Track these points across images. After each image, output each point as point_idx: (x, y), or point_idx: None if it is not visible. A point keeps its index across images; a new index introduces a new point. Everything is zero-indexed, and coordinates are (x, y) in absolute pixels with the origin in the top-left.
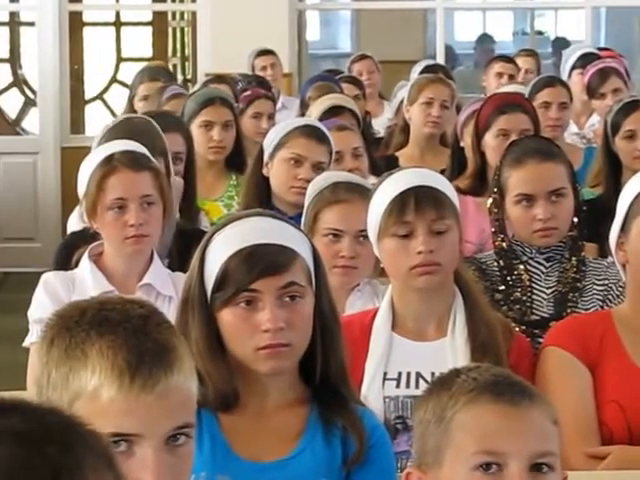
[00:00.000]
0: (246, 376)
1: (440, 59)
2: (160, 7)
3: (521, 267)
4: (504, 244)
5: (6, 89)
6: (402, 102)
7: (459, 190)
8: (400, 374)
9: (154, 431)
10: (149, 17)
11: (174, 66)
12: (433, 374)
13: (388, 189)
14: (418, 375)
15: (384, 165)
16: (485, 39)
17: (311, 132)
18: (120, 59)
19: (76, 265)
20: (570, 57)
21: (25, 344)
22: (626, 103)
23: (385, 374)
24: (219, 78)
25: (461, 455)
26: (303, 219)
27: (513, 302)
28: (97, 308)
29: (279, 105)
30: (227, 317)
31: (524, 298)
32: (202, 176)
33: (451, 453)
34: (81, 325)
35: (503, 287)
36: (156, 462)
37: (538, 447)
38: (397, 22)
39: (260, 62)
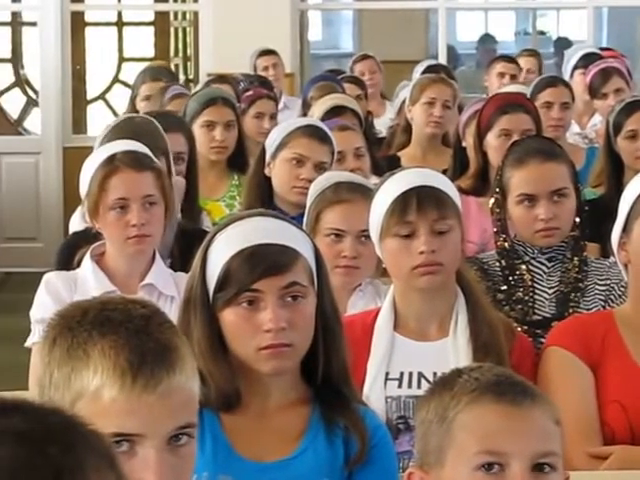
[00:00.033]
0: (248, 376)
1: (442, 59)
2: (162, 7)
3: (523, 267)
4: (506, 244)
5: (8, 89)
6: (404, 102)
7: (461, 190)
8: (402, 374)
9: (156, 431)
10: (151, 17)
11: (176, 66)
12: (435, 374)
13: (390, 189)
14: (420, 375)
15: (386, 165)
16: (487, 39)
17: (313, 132)
18: (122, 59)
19: (78, 265)
20: (572, 57)
21: (27, 344)
22: (628, 103)
23: (387, 374)
24: (221, 78)
25: (463, 455)
26: (305, 219)
27: (515, 302)
28: (99, 308)
29: (281, 105)
30: (229, 317)
31: (526, 298)
32: (204, 176)
33: (453, 453)
34: (83, 325)
35: (505, 287)
36: (158, 462)
37: (540, 447)
38: (399, 22)
39: (262, 62)
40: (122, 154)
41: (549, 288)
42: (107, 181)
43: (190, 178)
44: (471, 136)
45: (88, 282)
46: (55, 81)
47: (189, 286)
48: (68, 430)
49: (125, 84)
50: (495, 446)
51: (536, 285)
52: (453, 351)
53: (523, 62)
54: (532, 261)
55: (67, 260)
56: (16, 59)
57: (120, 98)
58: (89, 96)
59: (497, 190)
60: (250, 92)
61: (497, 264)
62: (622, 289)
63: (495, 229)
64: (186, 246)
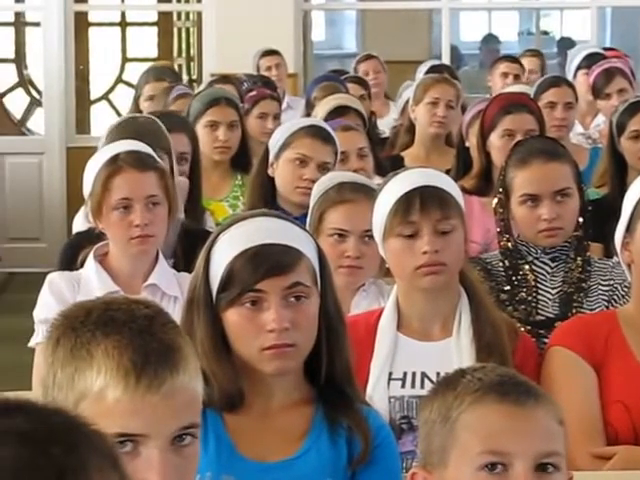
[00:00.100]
0: (251, 376)
1: (445, 59)
2: (165, 7)
3: (526, 267)
4: (509, 244)
5: (12, 89)
6: (407, 102)
7: (464, 190)
8: (405, 374)
9: (160, 431)
10: (154, 17)
11: (179, 66)
12: (438, 374)
13: (393, 189)
14: (423, 375)
15: (389, 165)
16: (490, 39)
17: (316, 132)
18: (125, 59)
19: (81, 265)
20: (575, 57)
21: (30, 344)
22: (631, 103)
23: (390, 374)
24: (224, 78)
25: (466, 455)
26: (308, 219)
27: (518, 302)
28: (102, 308)
29: (284, 105)
30: (232, 317)
31: (529, 298)
32: (207, 176)
33: (456, 453)
34: (87, 325)
35: (508, 287)
36: (162, 462)
37: (543, 447)
38: (402, 22)
39: (265, 62)
40: (125, 154)
41: (552, 288)
42: (110, 181)
43: (193, 178)
44: (474, 136)
45: (91, 282)
46: (58, 81)
47: (192, 286)
48: (71, 430)
49: (128, 84)
50: (498, 446)
51: (539, 285)
52: (456, 351)
53: (526, 62)
54: (535, 261)
55: (70, 260)
56: (19, 59)
57: (123, 98)
58: (92, 96)
59: (500, 190)
60: (253, 92)
61: (500, 264)
62: (625, 289)
63: (498, 229)
64: (189, 246)
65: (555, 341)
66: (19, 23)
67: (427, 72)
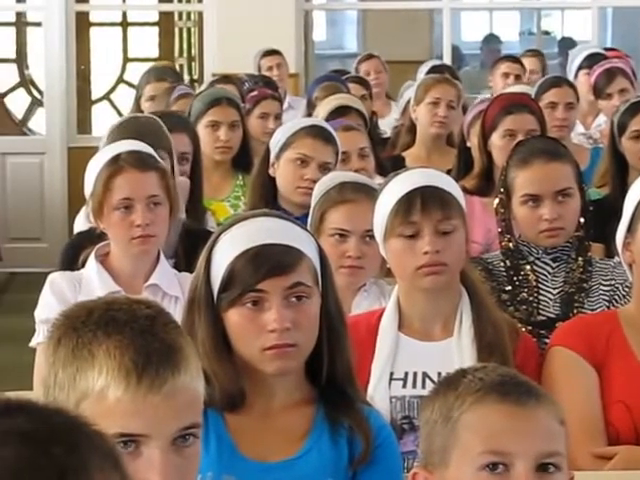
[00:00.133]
0: (252, 376)
1: (447, 59)
2: (166, 7)
3: (527, 267)
4: (510, 244)
5: (13, 89)
6: (409, 102)
7: (465, 190)
8: (406, 374)
9: (161, 432)
10: (156, 17)
11: (180, 66)
12: (439, 374)
13: (394, 189)
14: (424, 375)
15: (390, 165)
16: (491, 39)
17: (317, 132)
18: (127, 59)
19: (82, 265)
20: (576, 57)
21: (32, 344)
22: (632, 103)
23: (391, 374)
24: (226, 78)
25: (467, 455)
26: (309, 219)
27: (519, 302)
28: (104, 308)
29: (286, 105)
30: (233, 317)
31: (530, 298)
32: (208, 176)
33: (457, 453)
34: (88, 325)
35: (509, 287)
36: (163, 463)
37: (544, 447)
38: (403, 22)
39: (266, 62)
40: (126, 154)
41: (553, 288)
42: (111, 181)
43: (194, 178)
44: (475, 136)
45: (92, 282)
46: (60, 81)
47: (193, 286)
48: (72, 430)
49: (130, 84)
50: (500, 446)
51: (540, 285)
52: (457, 351)
53: (526, 62)
54: (536, 261)
55: (71, 260)
56: (21, 59)
57: (125, 98)
58: (94, 96)
59: (501, 190)
60: (255, 92)
61: (501, 264)
62: (626, 289)
63: (499, 229)
64: (190, 246)
65: (556, 341)
66: (20, 23)
67: (428, 72)
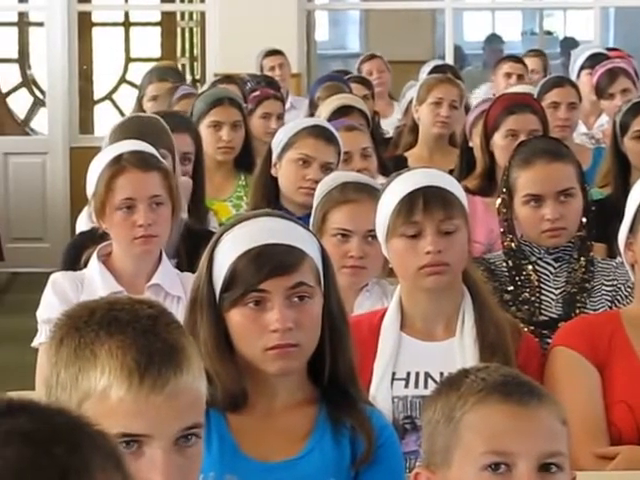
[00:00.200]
0: (255, 376)
1: (449, 59)
2: (169, 7)
3: (530, 267)
4: (513, 244)
5: (15, 89)
6: (411, 102)
7: (468, 190)
8: (409, 374)
9: (163, 432)
10: (158, 17)
11: (183, 66)
12: (442, 374)
13: (397, 189)
14: (427, 375)
15: (393, 165)
16: (494, 39)
17: (319, 132)
18: (129, 59)
19: (85, 265)
20: (579, 57)
21: (34, 344)
22: (635, 103)
23: (394, 374)
24: (228, 78)
25: (470, 455)
26: (312, 219)
27: (522, 302)
28: (106, 308)
29: (288, 105)
30: (236, 317)
31: (533, 298)
32: (211, 176)
33: (460, 453)
34: (90, 325)
35: (512, 287)
36: (165, 463)
37: (547, 447)
38: (406, 22)
39: (268, 62)
40: (129, 154)
41: (556, 288)
42: (114, 181)
43: (197, 178)
44: (478, 136)
45: (95, 282)
46: (62, 81)
47: (196, 286)
48: (74, 430)
49: (132, 84)
50: (502, 446)
51: (543, 285)
52: (460, 351)
53: (528, 62)
54: (539, 261)
55: (74, 260)
56: (23, 59)
57: (127, 98)
58: (96, 96)
59: (504, 190)
60: (257, 92)
61: (504, 264)
62: (629, 289)
63: (502, 229)
64: (193, 246)
65: (558, 341)
66: (22, 23)
67: (430, 72)
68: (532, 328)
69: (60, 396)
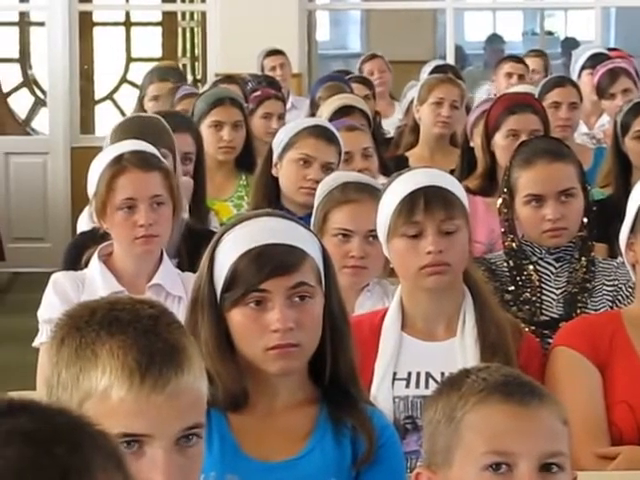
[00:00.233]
0: (255, 376)
1: (450, 59)
2: (170, 7)
3: (531, 267)
4: (514, 244)
5: (16, 89)
6: (412, 102)
7: (469, 190)
8: (410, 374)
9: (164, 432)
10: (159, 17)
11: (184, 66)
12: (443, 374)
13: (397, 189)
14: (428, 375)
15: (394, 165)
16: (495, 39)
17: (320, 132)
18: (130, 59)
19: (86, 265)
20: (580, 57)
21: (35, 344)
22: (636, 103)
23: (395, 374)
24: (229, 78)
25: (471, 455)
26: (313, 219)
27: (523, 302)
28: (107, 308)
29: (289, 105)
30: (236, 317)
31: (534, 298)
32: (212, 176)
33: (461, 453)
34: (91, 325)
35: (513, 287)
36: (166, 463)
37: (548, 447)
38: (407, 22)
39: (269, 62)
40: (130, 154)
41: (557, 288)
42: (115, 181)
43: (198, 178)
44: (479, 136)
45: (96, 282)
46: (63, 81)
47: (197, 286)
48: (75, 430)
49: (133, 84)
50: (503, 446)
51: (544, 285)
52: (461, 351)
53: (529, 62)
54: (540, 261)
55: (74, 260)
56: (24, 59)
57: (128, 98)
58: (97, 96)
59: (505, 190)
60: (258, 92)
61: (505, 264)
62: (630, 289)
63: (503, 229)
64: (194, 246)
65: (559, 341)
66: (23, 23)
67: (431, 72)
68: (533, 328)
69: (61, 396)
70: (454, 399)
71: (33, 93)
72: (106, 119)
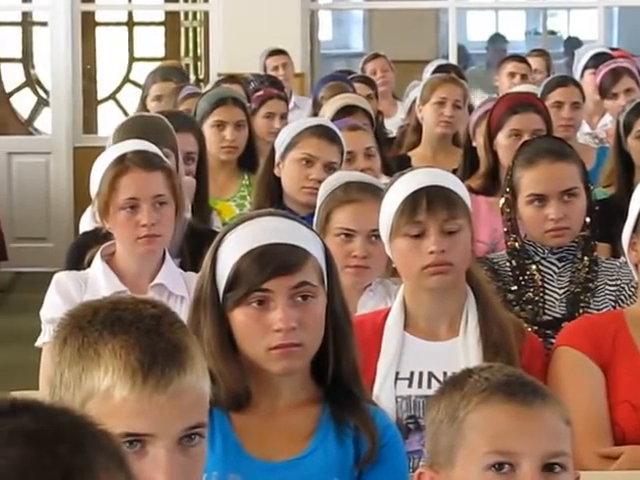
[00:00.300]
0: (258, 376)
1: (452, 59)
2: (172, 7)
3: (533, 267)
4: (516, 244)
5: (19, 89)
6: (414, 102)
7: (471, 190)
8: (412, 374)
9: (167, 431)
10: (161, 17)
11: (186, 66)
12: (445, 374)
13: (400, 189)
14: (430, 375)
15: (396, 165)
16: (497, 39)
17: (322, 132)
18: (132, 59)
19: (88, 265)
20: (582, 57)
21: (37, 344)
22: (638, 103)
23: (397, 374)
24: (231, 78)
25: (473, 455)
26: (315, 219)
27: (525, 302)
28: (110, 308)
29: (291, 105)
30: (239, 317)
31: (536, 298)
32: (214, 176)
33: (463, 453)
34: (94, 325)
35: (515, 287)
36: (168, 462)
37: (550, 447)
38: (409, 22)
39: (272, 62)
40: (132, 154)
41: (559, 288)
42: (117, 181)
43: (200, 178)
44: (481, 136)
45: (98, 282)
46: (66, 81)
47: (199, 286)
48: (78, 430)
49: (136, 84)
50: (505, 446)
51: (546, 285)
52: (463, 351)
53: (531, 62)
54: (542, 261)
55: (77, 260)
56: (27, 59)
57: (131, 98)
58: (100, 96)
59: (507, 190)
60: (261, 92)
61: (507, 264)
62: (632, 289)
63: (505, 229)
64: (196, 246)
65: (562, 341)
66: (26, 23)
67: (434, 72)
68: (536, 328)
69: (64, 396)
70: (457, 399)
71: (36, 93)
72: (109, 119)
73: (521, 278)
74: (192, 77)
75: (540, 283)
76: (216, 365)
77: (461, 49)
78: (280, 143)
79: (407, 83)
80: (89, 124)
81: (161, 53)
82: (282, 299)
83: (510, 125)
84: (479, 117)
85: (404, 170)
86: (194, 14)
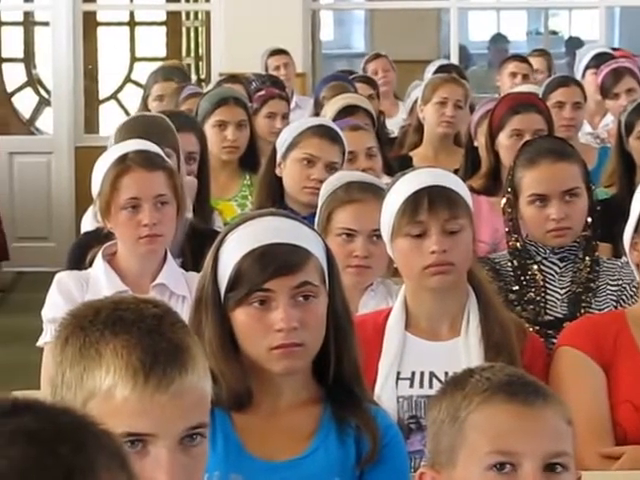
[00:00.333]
0: (259, 375)
1: (454, 59)
2: (174, 7)
3: (535, 267)
4: (518, 244)
5: (20, 89)
6: (416, 102)
7: (473, 190)
8: (414, 374)
9: (168, 431)
10: (163, 17)
11: (188, 66)
12: (447, 374)
13: (401, 189)
14: (432, 375)
15: (398, 165)
16: (499, 39)
17: (324, 132)
18: (134, 59)
19: (90, 265)
20: (584, 57)
21: (39, 344)
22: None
23: (398, 374)
24: (233, 78)
25: (475, 455)
26: (317, 219)
27: (527, 302)
28: (111, 308)
29: (293, 105)
30: (240, 317)
31: (538, 298)
32: (216, 176)
33: (465, 453)
34: (95, 325)
35: (517, 287)
36: (170, 462)
37: (552, 447)
38: (411, 22)
39: (273, 62)
40: (134, 154)
41: (561, 288)
42: (119, 181)
43: (202, 178)
44: (483, 136)
45: (100, 282)
46: (67, 81)
47: (200, 286)
48: (79, 430)
49: (137, 84)
50: (507, 446)
51: (548, 285)
52: (465, 351)
53: (533, 62)
54: (544, 261)
55: (79, 260)
56: (28, 59)
57: (132, 98)
58: (101, 96)
59: (509, 190)
60: (262, 92)
61: (509, 264)
62: (634, 289)
63: (507, 229)
64: (198, 246)
65: (563, 341)
66: (28, 22)
67: (435, 72)
68: (537, 328)
69: (65, 395)
70: (458, 399)
71: (37, 93)
72: (110, 119)
73: (522, 278)
74: (194, 77)
75: (541, 283)
76: (217, 365)
77: (462, 49)
78: (281, 143)
79: (408, 83)
80: (90, 124)
81: (162, 53)
82: (283, 299)
83: (511, 125)
84: (480, 117)
85: (405, 170)
86: (195, 14)
